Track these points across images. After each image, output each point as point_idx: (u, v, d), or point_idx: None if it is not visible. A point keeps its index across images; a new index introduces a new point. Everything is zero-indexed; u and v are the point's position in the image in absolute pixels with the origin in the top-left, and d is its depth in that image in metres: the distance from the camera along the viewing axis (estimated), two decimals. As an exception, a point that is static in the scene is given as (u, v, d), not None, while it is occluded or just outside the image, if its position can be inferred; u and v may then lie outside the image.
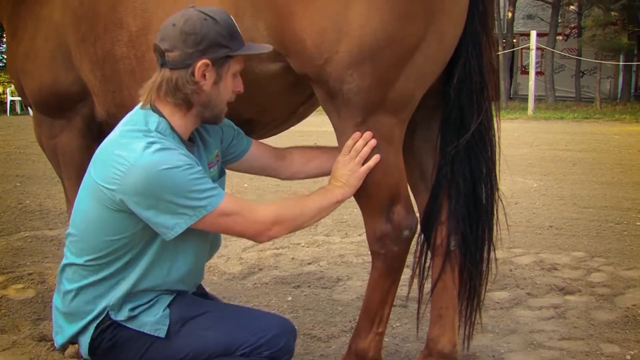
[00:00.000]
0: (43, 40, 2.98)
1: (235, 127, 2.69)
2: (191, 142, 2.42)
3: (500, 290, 4.20)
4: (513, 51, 24.39)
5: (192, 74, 2.22)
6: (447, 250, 2.72)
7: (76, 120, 3.06)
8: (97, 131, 3.11)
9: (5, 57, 8.48)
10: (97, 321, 2.33)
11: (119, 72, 2.82)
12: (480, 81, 2.57)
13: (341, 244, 5.35)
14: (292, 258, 4.94)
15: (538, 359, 3.23)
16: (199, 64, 2.22)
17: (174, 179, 2.14)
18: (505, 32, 24.47)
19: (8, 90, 20.68)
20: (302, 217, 2.42)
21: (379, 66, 2.33)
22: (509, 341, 3.44)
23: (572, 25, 25.18)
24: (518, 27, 25.61)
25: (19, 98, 19.82)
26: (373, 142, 2.44)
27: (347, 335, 3.43)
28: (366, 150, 2.44)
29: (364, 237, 2.69)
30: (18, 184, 8.22)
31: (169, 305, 2.36)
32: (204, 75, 2.24)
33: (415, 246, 2.83)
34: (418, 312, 2.88)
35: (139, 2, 2.73)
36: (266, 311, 2.37)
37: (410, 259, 2.92)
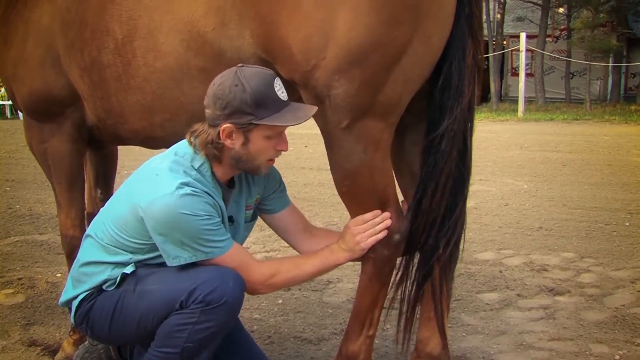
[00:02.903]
0: (33, 45, 2.97)
1: (282, 184, 2.83)
2: (231, 186, 2.59)
3: (490, 292, 4.22)
4: (503, 53, 24.44)
5: (218, 134, 2.37)
6: (430, 254, 2.71)
7: (66, 125, 3.05)
8: (88, 136, 3.11)
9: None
10: (88, 292, 2.55)
11: (106, 79, 2.83)
12: (459, 85, 2.56)
13: (332, 247, 5.34)
14: (283, 261, 4.93)
15: (528, 360, 3.25)
16: (223, 127, 2.36)
17: (189, 224, 2.32)
18: (495, 34, 24.53)
19: (-2, 95, 20.59)
20: (295, 280, 2.66)
21: (366, 71, 2.33)
22: (499, 342, 3.45)
23: (562, 27, 25.24)
24: (508, 29, 25.66)
25: (9, 102, 19.77)
26: (389, 222, 2.59)
27: (338, 337, 3.44)
28: (381, 227, 2.58)
29: (354, 239, 2.70)
30: (8, 188, 8.19)
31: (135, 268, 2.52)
32: (230, 137, 2.38)
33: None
34: (414, 315, 2.87)
35: (124, 10, 2.73)
36: (214, 266, 2.43)
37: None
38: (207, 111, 2.40)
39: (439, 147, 2.58)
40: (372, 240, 2.59)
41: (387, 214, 2.59)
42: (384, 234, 2.59)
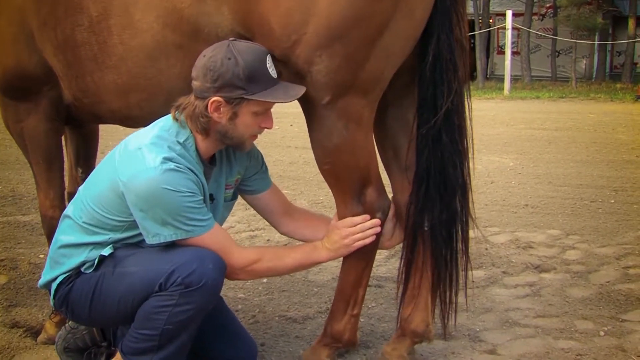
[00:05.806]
0: (6, 23, 2.89)
1: (264, 165, 2.80)
2: (212, 163, 2.55)
3: (476, 269, 4.21)
4: (489, 31, 24.39)
5: (206, 107, 2.33)
6: (420, 231, 2.69)
7: (43, 104, 2.98)
8: (66, 114, 3.04)
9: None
10: (66, 275, 2.52)
11: (80, 58, 2.76)
12: (451, 58, 2.53)
13: (317, 226, 5.32)
14: (268, 240, 4.91)
15: (513, 337, 3.24)
16: (212, 99, 2.32)
17: (171, 199, 2.29)
18: (481, 12, 24.45)
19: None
20: (274, 270, 2.66)
21: (348, 46, 2.30)
22: (485, 320, 3.45)
23: (548, 5, 25.18)
24: (494, 7, 25.58)
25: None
26: (378, 228, 2.60)
27: (323, 316, 3.42)
28: (370, 232, 2.59)
29: (339, 218, 2.67)
30: (-10, 169, 8.09)
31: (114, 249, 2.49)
32: (217, 110, 2.34)
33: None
34: (403, 293, 2.85)
35: None
36: (193, 247, 2.40)
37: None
38: (195, 83, 2.36)
39: (450, 122, 2.55)
40: (359, 244, 2.59)
41: (376, 220, 2.59)
42: (372, 239, 2.59)
